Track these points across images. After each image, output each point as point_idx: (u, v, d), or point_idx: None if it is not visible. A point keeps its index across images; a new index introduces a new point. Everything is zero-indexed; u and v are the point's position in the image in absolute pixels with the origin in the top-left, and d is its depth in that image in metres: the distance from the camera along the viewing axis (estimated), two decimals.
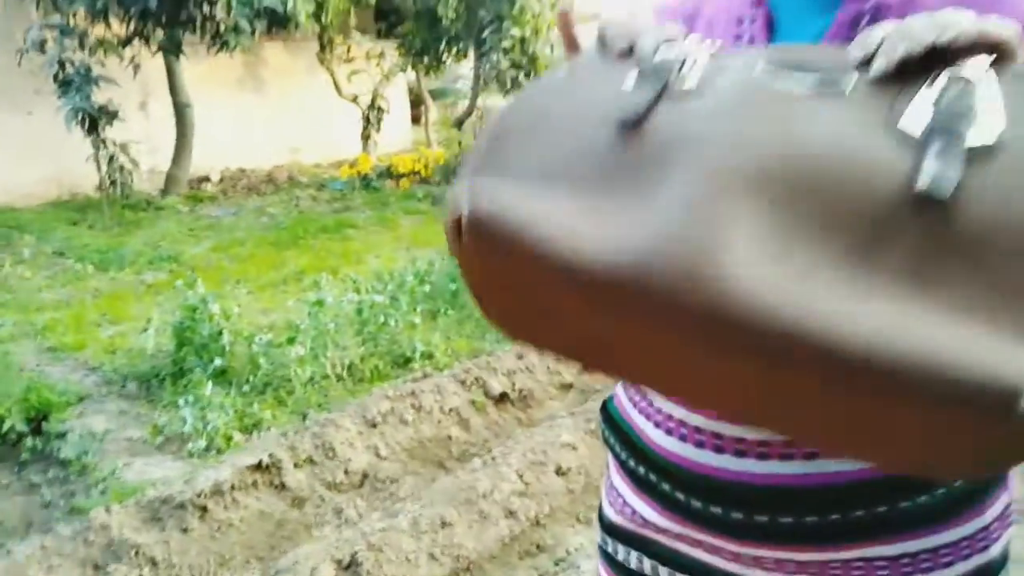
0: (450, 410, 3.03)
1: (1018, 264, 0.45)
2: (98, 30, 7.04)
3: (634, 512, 0.85)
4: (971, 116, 0.47)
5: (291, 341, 3.28)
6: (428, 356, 3.49)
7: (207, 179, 8.73)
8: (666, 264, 0.47)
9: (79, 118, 6.66)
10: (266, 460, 2.53)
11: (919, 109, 0.48)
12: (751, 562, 0.76)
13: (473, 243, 0.55)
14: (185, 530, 2.29)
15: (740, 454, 0.72)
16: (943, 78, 0.49)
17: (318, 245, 5.69)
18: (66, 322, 4.18)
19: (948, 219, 0.45)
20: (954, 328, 0.44)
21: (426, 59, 9.30)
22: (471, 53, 8.69)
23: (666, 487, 0.78)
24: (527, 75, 8.20)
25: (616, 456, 0.86)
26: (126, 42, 7.17)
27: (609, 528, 0.89)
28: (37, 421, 2.99)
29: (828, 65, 0.53)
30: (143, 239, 6.03)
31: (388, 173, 8.18)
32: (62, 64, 6.68)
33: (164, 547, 2.23)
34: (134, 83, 7.58)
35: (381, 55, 9.51)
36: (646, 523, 0.83)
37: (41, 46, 6.74)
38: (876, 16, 0.67)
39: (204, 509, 2.35)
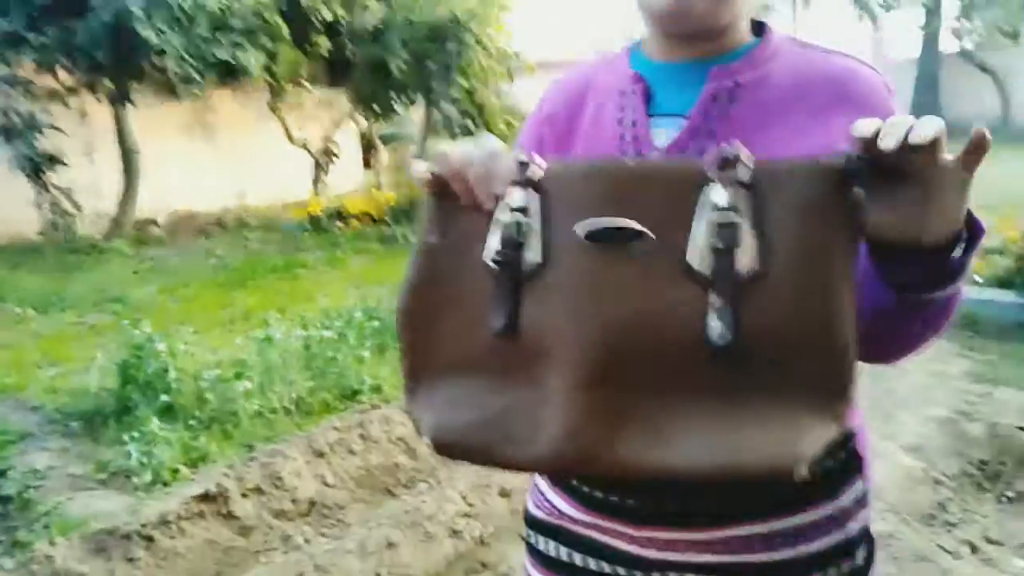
0: (398, 439, 3.09)
1: (779, 370, 0.65)
2: (45, 79, 7.07)
3: (552, 506, 0.95)
4: (738, 243, 0.64)
5: (239, 376, 3.31)
6: (376, 389, 3.55)
7: (153, 222, 8.69)
8: (569, 453, 0.68)
9: (23, 164, 6.63)
10: (213, 490, 2.55)
11: (698, 246, 0.65)
12: (646, 542, 0.87)
13: (442, 453, 0.75)
14: (131, 560, 2.29)
15: None
16: (711, 208, 0.65)
17: (267, 285, 5.71)
18: (6, 363, 4.12)
19: (734, 352, 0.64)
20: (748, 432, 0.64)
21: (376, 107, 9.50)
22: (420, 100, 8.91)
23: (575, 482, 0.90)
24: (474, 123, 8.45)
25: None
26: (73, 91, 7.19)
27: (531, 522, 1.00)
28: None
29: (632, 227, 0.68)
30: (86, 282, 5.96)
31: (339, 215, 8.27)
32: (5, 113, 6.68)
33: None
34: (80, 130, 7.59)
35: (331, 103, 9.67)
36: (562, 515, 0.94)
37: None
38: (733, 94, 0.82)
39: (150, 539, 2.35)
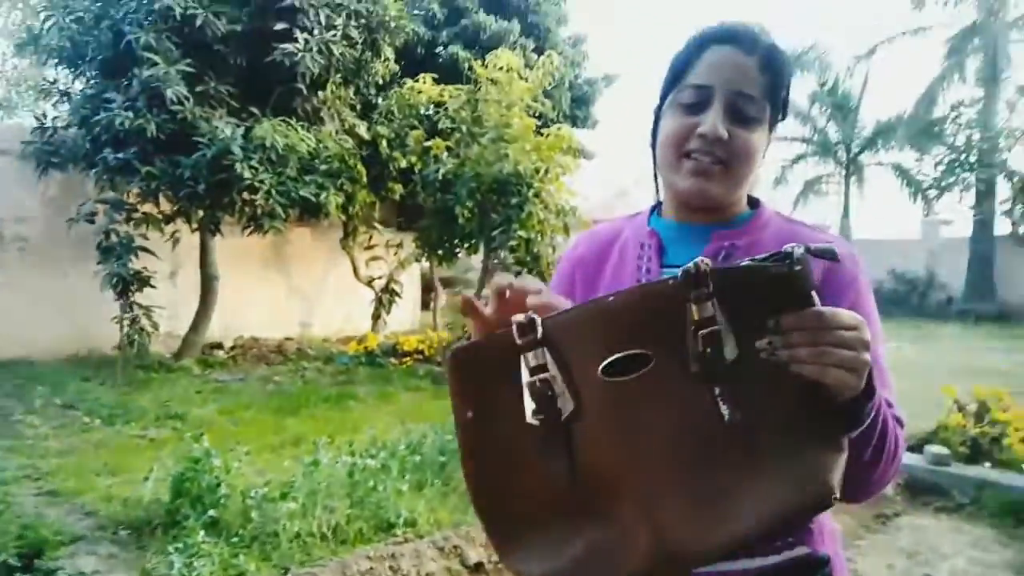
0: (427, 575, 3.15)
1: (784, 425, 0.82)
2: (146, 207, 7.81)
3: None
4: (723, 344, 0.82)
5: (284, 496, 3.46)
6: (411, 523, 3.64)
7: (220, 346, 9.15)
8: (662, 558, 0.81)
9: (114, 282, 7.21)
10: None
11: (694, 357, 0.82)
12: None
13: None
14: None
15: None
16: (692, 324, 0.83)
17: (319, 414, 5.94)
18: (68, 469, 4.37)
19: (746, 424, 0.81)
20: (778, 485, 0.81)
21: (440, 251, 10.05)
22: (481, 248, 9.40)
23: None
24: (530, 270, 8.85)
25: None
26: (170, 219, 7.89)
27: None
28: (30, 558, 3.12)
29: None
30: (152, 398, 6.31)
31: (393, 351, 8.59)
32: (107, 234, 7.35)
33: None
34: (167, 253, 8.25)
35: (400, 245, 10.29)
36: None
37: (91, 217, 7.47)
38: (730, 253, 1.05)
39: None
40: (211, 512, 3.41)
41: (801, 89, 21.50)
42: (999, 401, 4.90)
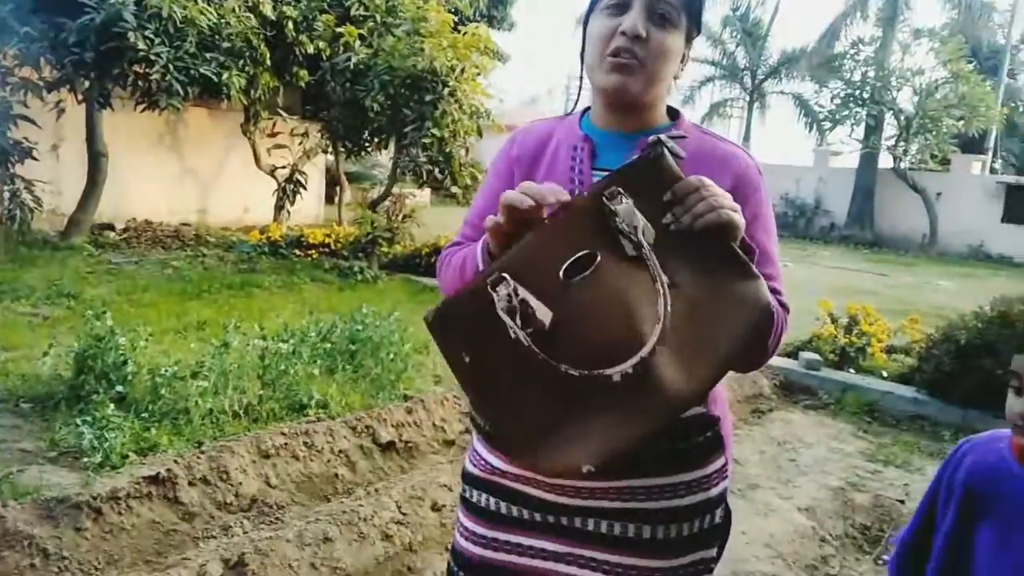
0: (340, 452, 3.27)
1: (710, 281, 1.01)
2: (25, 71, 7.15)
3: (486, 463, 1.22)
4: (639, 224, 1.01)
5: (195, 375, 3.46)
6: (323, 405, 3.72)
7: (111, 227, 8.69)
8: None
9: None
10: (163, 473, 2.70)
11: (628, 241, 1.02)
12: (560, 490, 1.14)
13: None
14: (79, 529, 2.42)
15: None
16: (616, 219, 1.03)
17: (222, 300, 5.83)
18: None
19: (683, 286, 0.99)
20: (732, 317, 1.01)
21: (348, 144, 9.78)
22: (391, 144, 9.22)
23: None
24: (442, 171, 8.79)
25: (480, 428, 1.24)
26: (52, 87, 7.27)
27: (467, 478, 1.27)
28: None
29: None
30: (40, 275, 5.98)
31: (298, 243, 8.43)
32: None
33: (56, 542, 2.35)
34: (50, 125, 7.64)
35: (305, 134, 9.92)
36: (493, 470, 1.21)
37: None
38: None
39: (99, 512, 2.49)
40: (119, 388, 3.38)
41: (714, 13, 21.70)
42: (867, 316, 5.41)
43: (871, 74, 17.78)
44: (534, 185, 1.02)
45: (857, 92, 17.97)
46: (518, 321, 0.95)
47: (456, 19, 9.19)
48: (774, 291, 1.11)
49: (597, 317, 0.96)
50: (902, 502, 3.37)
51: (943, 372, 4.46)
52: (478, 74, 9.26)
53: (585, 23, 1.20)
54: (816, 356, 5.16)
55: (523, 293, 0.96)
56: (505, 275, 0.97)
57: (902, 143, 17.64)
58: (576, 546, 1.14)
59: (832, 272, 12.04)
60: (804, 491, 3.45)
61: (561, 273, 0.98)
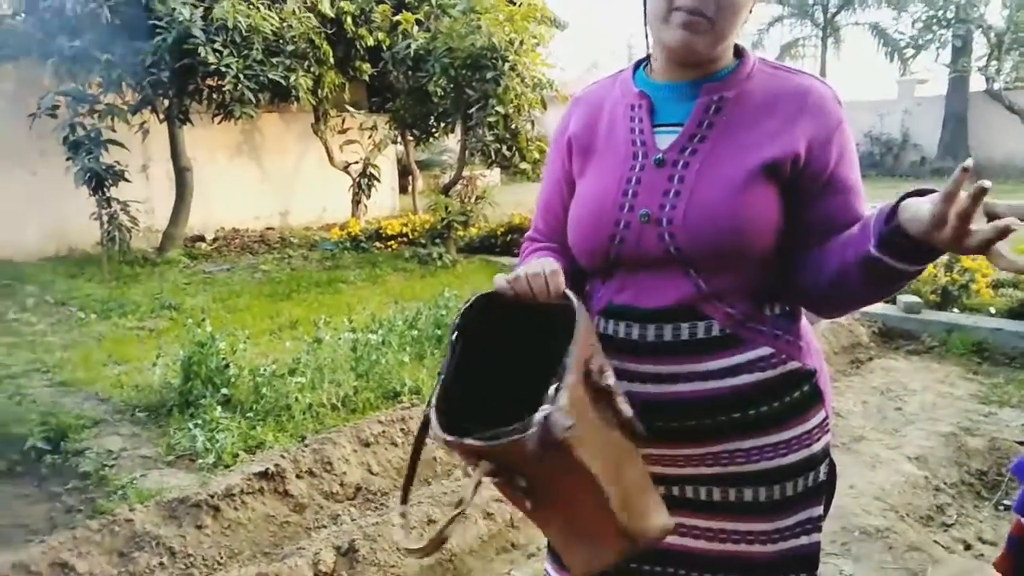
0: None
1: None
2: (109, 97, 7.53)
3: None
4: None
5: (292, 372, 3.61)
6: (416, 391, 3.82)
7: (201, 238, 9.12)
8: None
9: (87, 178, 7.06)
10: (272, 469, 2.83)
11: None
12: (668, 460, 1.13)
13: None
14: (199, 527, 2.57)
15: (656, 381, 1.11)
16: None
17: (311, 298, 6.04)
18: (75, 361, 4.47)
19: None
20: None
21: (416, 132, 9.88)
22: (458, 128, 9.26)
23: None
24: (510, 149, 8.77)
25: None
26: (136, 110, 7.64)
27: None
28: (56, 441, 3.27)
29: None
30: (142, 291, 6.35)
31: (377, 235, 8.62)
32: (73, 128, 7.12)
33: (181, 540, 2.51)
34: (136, 146, 8.04)
35: (373, 127, 10.09)
36: None
37: (53, 111, 7.21)
38: (719, 106, 1.10)
39: (217, 509, 2.64)
40: (224, 391, 3.56)
41: None
42: None
43: None
44: (528, 276, 1.05)
45: (940, 13, 16.79)
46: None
47: None
48: None
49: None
50: (1022, 443, 3.18)
51: None
52: (537, 45, 9.16)
53: None
54: (916, 298, 4.91)
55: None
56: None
57: (994, 62, 16.40)
58: (681, 515, 1.13)
59: None
60: (913, 440, 3.31)
61: None
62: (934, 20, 16.95)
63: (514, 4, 8.76)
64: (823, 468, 1.14)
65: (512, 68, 8.50)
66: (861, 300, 1.09)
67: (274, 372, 3.65)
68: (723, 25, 1.06)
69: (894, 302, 4.99)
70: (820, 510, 1.15)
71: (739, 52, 1.16)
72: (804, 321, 1.17)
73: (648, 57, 1.20)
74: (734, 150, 1.07)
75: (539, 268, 1.06)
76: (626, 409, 1.01)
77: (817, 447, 1.12)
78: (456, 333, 1.09)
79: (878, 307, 4.92)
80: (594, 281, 1.19)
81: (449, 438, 1.00)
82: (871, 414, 3.64)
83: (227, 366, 3.67)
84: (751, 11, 1.12)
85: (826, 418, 1.14)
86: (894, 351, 4.58)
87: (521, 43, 8.69)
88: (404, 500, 1.15)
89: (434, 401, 1.06)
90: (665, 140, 1.12)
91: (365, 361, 3.88)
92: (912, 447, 3.23)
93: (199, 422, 3.31)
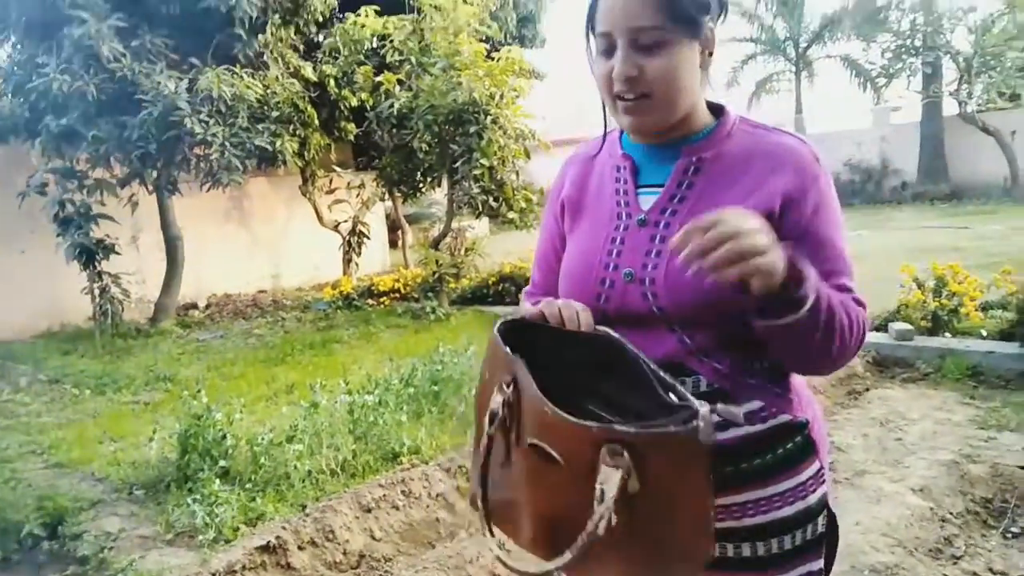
0: (437, 495, 3.33)
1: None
2: (97, 172, 7.61)
3: None
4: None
5: (290, 439, 3.59)
6: (415, 451, 3.80)
7: (194, 306, 9.12)
8: None
9: (77, 253, 7.10)
10: (273, 542, 2.80)
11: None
12: None
13: None
14: None
15: None
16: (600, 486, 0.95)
17: (306, 361, 6.03)
18: (70, 440, 4.44)
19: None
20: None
21: (403, 188, 10.00)
22: (444, 181, 9.38)
23: None
24: (496, 199, 8.87)
25: None
26: (125, 183, 7.71)
27: None
28: (53, 526, 3.22)
29: None
30: (136, 363, 6.33)
31: (370, 292, 8.65)
32: (62, 204, 7.18)
33: None
34: (127, 219, 8.10)
35: (361, 185, 10.20)
36: None
37: (42, 189, 7.28)
38: (698, 167, 1.15)
39: None
40: (222, 463, 3.53)
41: None
42: (955, 275, 5.16)
43: (920, 20, 17.03)
44: (560, 307, 1.09)
45: (908, 42, 17.24)
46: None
47: (488, 47, 9.33)
48: (842, 288, 1.07)
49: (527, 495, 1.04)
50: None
51: None
52: (517, 97, 9.34)
53: (589, 58, 1.18)
54: (907, 325, 4.94)
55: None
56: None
57: (965, 86, 16.79)
58: None
59: (910, 233, 11.53)
60: (915, 470, 3.30)
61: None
62: (903, 49, 17.39)
63: (492, 59, 8.96)
64: (820, 520, 1.14)
65: (494, 121, 8.65)
66: (803, 359, 1.09)
67: (272, 440, 3.62)
68: (667, 99, 1.09)
69: (886, 329, 5.02)
70: (820, 563, 1.15)
71: (719, 111, 1.19)
72: (799, 377, 1.18)
73: None
74: (712, 209, 1.10)
75: (569, 303, 1.10)
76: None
77: (812, 499, 1.13)
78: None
79: (872, 336, 4.95)
80: None
81: (587, 422, 0.92)
82: (872, 446, 3.63)
83: (224, 437, 3.64)
84: (710, 56, 1.13)
85: (821, 469, 1.15)
86: (890, 380, 4.59)
87: (501, 96, 8.86)
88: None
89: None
90: (648, 201, 1.16)
91: (363, 423, 3.86)
92: (915, 478, 3.22)
93: (198, 497, 3.28)
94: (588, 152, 1.30)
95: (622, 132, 1.25)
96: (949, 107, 17.68)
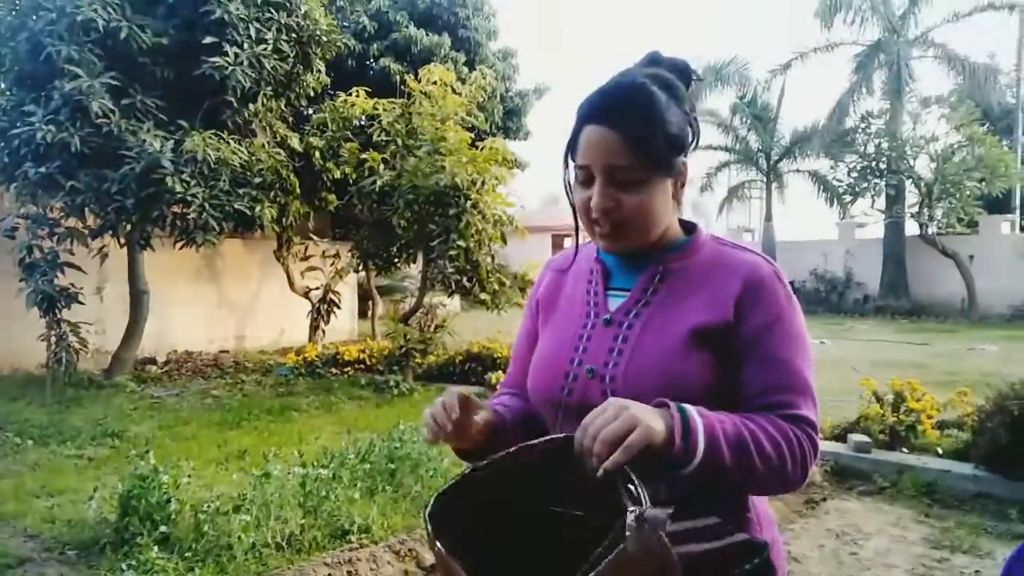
0: None
1: None
2: (70, 221, 7.56)
3: None
4: None
5: (237, 509, 3.47)
6: (366, 530, 3.68)
7: (152, 361, 8.93)
8: None
9: (39, 299, 6.96)
10: None
11: None
12: None
13: None
14: None
15: None
16: None
17: (262, 426, 5.89)
18: (4, 492, 4.24)
19: None
20: None
21: (378, 261, 10.05)
22: (419, 258, 9.46)
23: None
24: (470, 280, 8.94)
25: None
26: (97, 234, 7.66)
27: None
28: None
29: None
30: (85, 416, 6.13)
31: (334, 361, 8.55)
32: (30, 249, 7.10)
33: None
34: (92, 268, 8.00)
35: (336, 255, 10.24)
36: None
37: (12, 233, 7.20)
38: (664, 276, 1.21)
39: None
40: (162, 528, 3.39)
41: (723, 100, 22.39)
42: (913, 391, 5.26)
43: (885, 145, 17.95)
44: (434, 415, 1.16)
45: (873, 164, 18.11)
46: None
47: (473, 135, 9.62)
48: (784, 406, 1.09)
49: None
50: None
51: (1000, 445, 4.28)
52: (498, 184, 9.58)
53: (567, 184, 1.23)
54: (865, 438, 5.00)
55: None
56: None
57: (926, 209, 17.59)
58: None
59: (871, 345, 11.80)
60: None
61: None
62: (868, 170, 18.25)
63: (476, 147, 9.22)
64: None
65: (474, 206, 8.82)
66: (736, 487, 1.11)
67: (217, 509, 3.49)
68: (642, 228, 1.17)
69: (845, 440, 5.07)
70: None
71: (689, 228, 1.26)
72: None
73: None
74: (672, 315, 1.16)
75: (437, 403, 1.17)
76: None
77: None
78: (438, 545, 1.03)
79: (831, 445, 4.99)
80: (550, 432, 1.23)
81: None
82: (827, 559, 3.61)
83: (168, 501, 3.50)
84: (682, 183, 1.20)
85: None
86: (847, 491, 4.60)
87: (483, 183, 9.08)
88: None
89: None
90: (615, 303, 1.22)
91: (314, 496, 3.75)
92: None
93: (133, 563, 3.12)
94: (566, 259, 1.38)
95: None
96: (911, 227, 18.47)
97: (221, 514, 3.48)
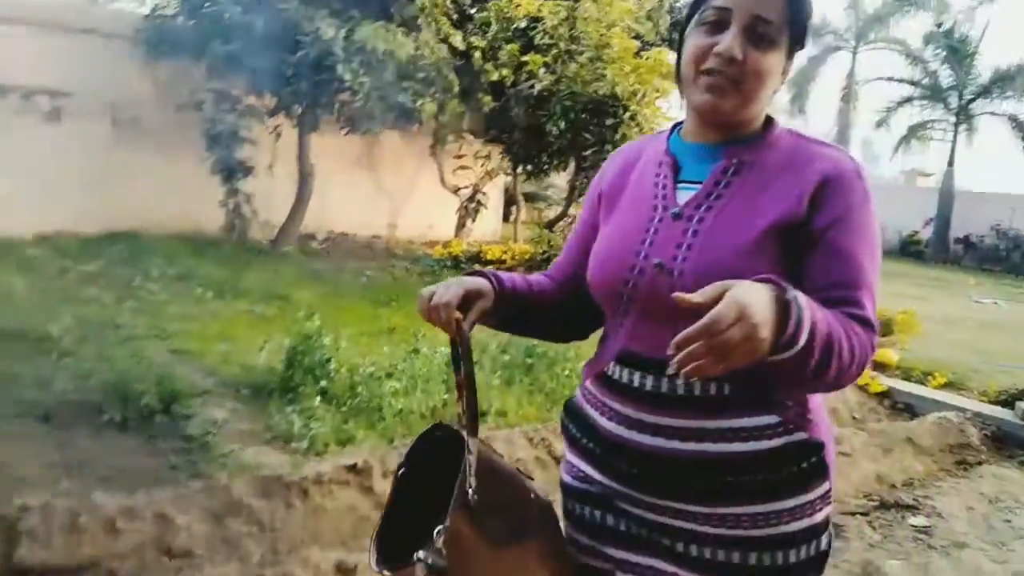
0: (517, 460, 3.37)
1: None
2: (250, 99, 8.06)
3: (585, 476, 1.23)
4: None
5: (389, 376, 3.72)
6: (502, 414, 3.86)
7: (312, 237, 9.54)
8: None
9: (220, 169, 7.56)
10: (360, 464, 2.92)
11: None
12: (660, 510, 1.14)
13: None
14: (289, 506, 2.68)
15: (655, 433, 1.12)
16: None
17: (410, 308, 6.17)
18: (190, 333, 4.75)
19: None
20: None
21: (528, 166, 10.08)
22: (570, 166, 9.40)
23: (609, 457, 1.18)
24: None
25: (573, 438, 1.28)
26: (272, 113, 8.14)
27: (565, 489, 1.29)
28: (167, 403, 3.47)
29: None
30: (255, 278, 6.68)
31: (477, 258, 8.80)
32: (214, 122, 7.67)
33: (271, 515, 2.62)
34: (268, 147, 8.54)
35: (487, 156, 10.35)
36: (592, 482, 1.22)
37: (199, 106, 7.78)
38: (737, 169, 1.15)
39: (306, 492, 2.74)
40: (323, 383, 3.71)
41: (914, 28, 20.17)
42: None
43: None
44: (440, 306, 1.19)
45: None
46: None
47: (639, 45, 9.26)
48: (847, 301, 1.03)
49: None
50: None
51: None
52: (659, 97, 9.25)
53: (680, 37, 1.19)
54: None
55: None
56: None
57: None
58: (682, 568, 1.14)
59: None
60: (1021, 555, 3.10)
61: None
62: None
63: (640, 57, 8.88)
64: (824, 539, 1.14)
65: (631, 117, 8.60)
66: (799, 383, 1.05)
67: (372, 374, 3.77)
68: (749, 89, 1.11)
69: (1012, 406, 4.70)
70: None
71: (768, 121, 1.20)
72: (817, 395, 1.15)
73: (683, 121, 1.27)
74: (745, 210, 1.11)
75: (445, 297, 1.19)
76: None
77: (819, 517, 1.13)
78: (401, 471, 1.20)
79: (995, 410, 4.66)
80: (610, 325, 1.24)
81: (376, 568, 1.09)
82: (976, 522, 3.43)
83: (328, 360, 3.82)
84: (784, 79, 1.16)
85: (828, 490, 1.14)
86: (1007, 458, 4.30)
87: (643, 95, 8.79)
88: None
89: (374, 534, 1.13)
90: (685, 196, 1.17)
91: None
92: (1019, 563, 3.02)
93: (297, 408, 3.46)
94: (636, 148, 1.33)
95: (670, 133, 1.28)
96: None
97: (374, 379, 3.75)
